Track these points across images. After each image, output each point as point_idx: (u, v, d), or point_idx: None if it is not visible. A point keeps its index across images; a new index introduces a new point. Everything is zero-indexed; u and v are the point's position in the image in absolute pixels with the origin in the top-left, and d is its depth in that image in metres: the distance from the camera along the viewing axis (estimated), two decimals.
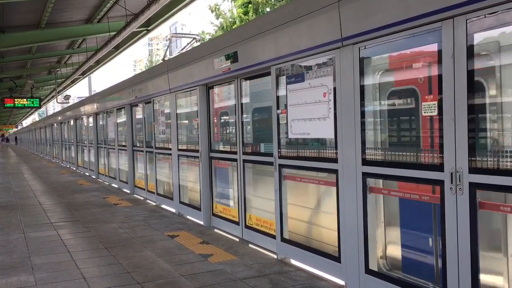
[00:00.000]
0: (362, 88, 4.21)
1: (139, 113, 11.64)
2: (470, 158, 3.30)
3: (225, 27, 25.19)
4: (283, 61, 5.26)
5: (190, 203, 8.44)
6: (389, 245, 4.39)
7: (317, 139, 5.04)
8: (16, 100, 23.25)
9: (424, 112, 3.69)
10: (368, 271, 4.25)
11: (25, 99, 23.66)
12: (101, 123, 15.61)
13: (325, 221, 5.24)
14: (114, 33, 13.23)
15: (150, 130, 10.70)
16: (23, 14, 12.78)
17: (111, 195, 11.64)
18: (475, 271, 3.31)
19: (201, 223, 7.73)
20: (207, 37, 26.81)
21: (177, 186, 8.76)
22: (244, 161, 6.46)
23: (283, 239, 5.50)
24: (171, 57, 9.82)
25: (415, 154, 3.90)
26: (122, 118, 12.83)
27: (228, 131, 7.61)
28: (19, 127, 76.22)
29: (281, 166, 5.48)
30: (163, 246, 6.31)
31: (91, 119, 16.95)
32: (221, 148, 7.48)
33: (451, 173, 3.41)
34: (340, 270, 4.59)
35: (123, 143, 12.74)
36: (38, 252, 6.16)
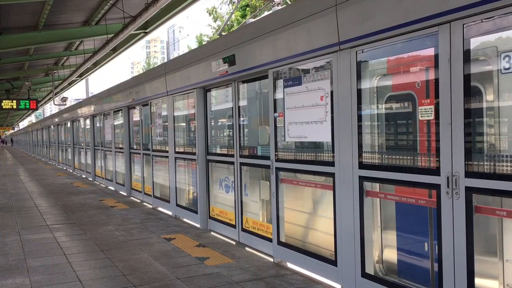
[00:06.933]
0: (359, 91, 4.21)
1: (136, 116, 11.62)
2: (466, 162, 3.30)
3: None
4: (281, 64, 5.27)
5: (187, 205, 8.42)
6: (385, 249, 4.39)
7: (314, 143, 5.04)
8: (13, 101, 23.16)
9: (421, 116, 3.70)
10: (365, 274, 4.25)
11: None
12: (98, 125, 15.59)
13: (322, 225, 5.23)
14: (112, 35, 13.23)
15: (147, 133, 10.68)
16: (20, 15, 12.76)
17: (108, 198, 11.61)
18: (471, 275, 3.31)
19: (198, 226, 7.72)
20: (205, 39, 26.84)
21: (174, 188, 8.75)
22: (241, 164, 6.46)
23: (280, 243, 5.50)
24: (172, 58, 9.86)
25: (411, 158, 3.91)
26: (119, 121, 12.81)
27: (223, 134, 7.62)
28: (16, 129, 75.96)
29: (278, 169, 5.47)
30: (159, 249, 6.29)
31: (88, 121, 16.91)
32: (219, 151, 7.47)
33: (448, 177, 3.41)
34: (337, 274, 4.59)
35: (120, 146, 12.72)
36: (33, 254, 6.13)
